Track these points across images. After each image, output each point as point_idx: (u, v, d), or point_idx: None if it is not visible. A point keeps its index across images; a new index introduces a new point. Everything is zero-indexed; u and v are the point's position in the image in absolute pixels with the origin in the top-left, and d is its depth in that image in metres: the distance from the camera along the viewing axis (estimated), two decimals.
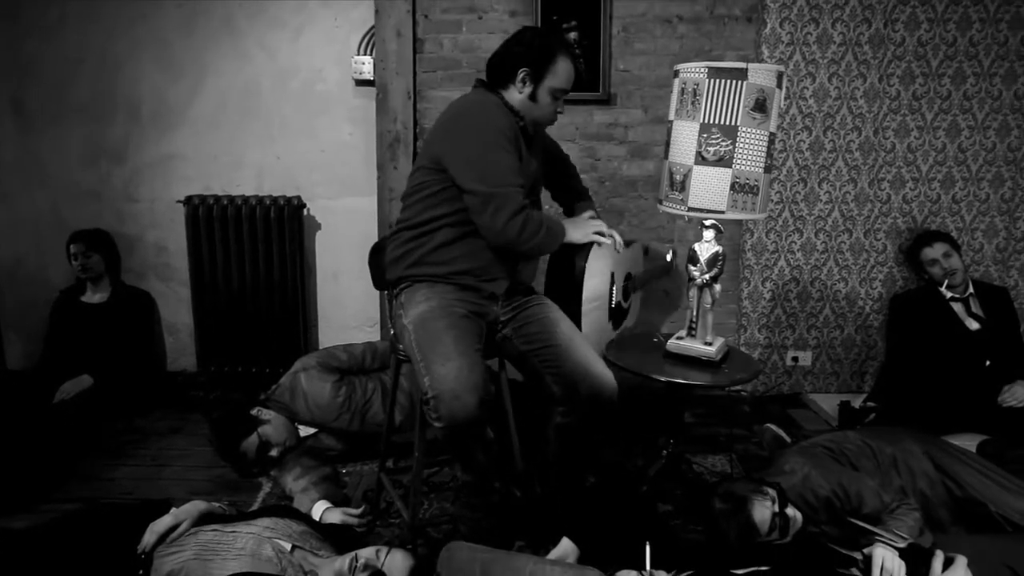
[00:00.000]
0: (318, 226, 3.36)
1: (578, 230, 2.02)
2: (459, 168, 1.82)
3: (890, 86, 3.11)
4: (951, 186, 3.21)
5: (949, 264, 2.94)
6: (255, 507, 2.33)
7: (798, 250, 3.26)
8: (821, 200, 3.21)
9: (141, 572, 1.70)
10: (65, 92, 3.22)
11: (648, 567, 1.60)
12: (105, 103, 3.23)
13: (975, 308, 2.96)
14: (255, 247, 3.23)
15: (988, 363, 2.86)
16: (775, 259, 3.26)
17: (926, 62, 3.10)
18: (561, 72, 1.87)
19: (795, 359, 3.35)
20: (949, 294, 2.95)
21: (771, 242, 3.24)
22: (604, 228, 2.05)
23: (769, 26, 3.06)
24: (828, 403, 3.19)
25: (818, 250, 3.26)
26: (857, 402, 3.07)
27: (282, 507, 2.03)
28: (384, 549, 1.66)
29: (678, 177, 1.85)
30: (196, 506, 1.86)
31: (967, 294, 2.97)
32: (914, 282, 3.22)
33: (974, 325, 2.92)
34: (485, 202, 1.79)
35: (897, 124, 3.15)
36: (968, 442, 2.49)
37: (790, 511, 1.72)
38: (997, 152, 3.18)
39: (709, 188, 1.79)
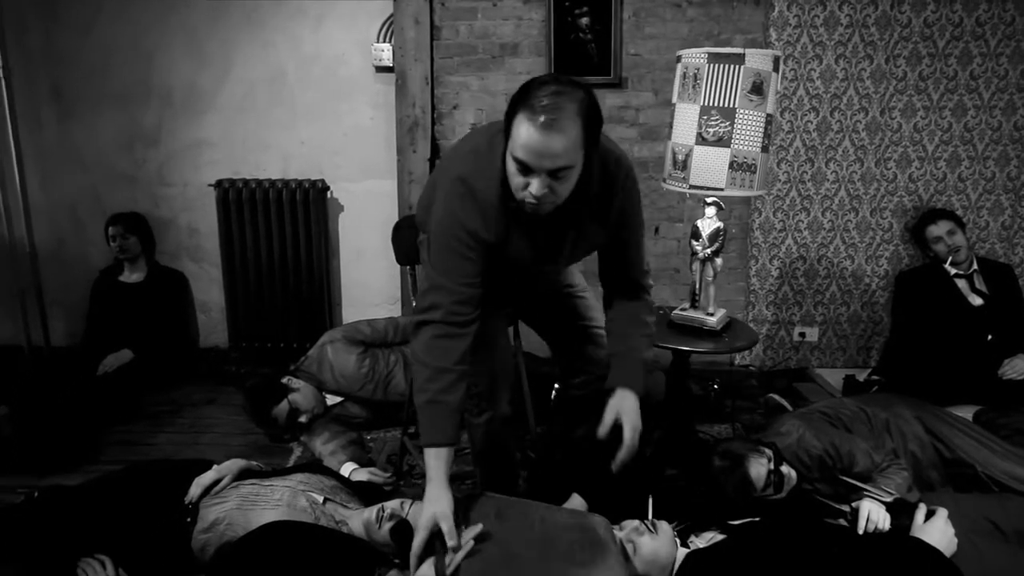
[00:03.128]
0: (341, 208, 3.51)
1: (427, 507, 1.45)
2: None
3: (896, 67, 3.18)
4: (957, 165, 3.28)
5: (953, 241, 3.01)
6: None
7: (805, 229, 3.35)
8: (828, 180, 3.29)
9: (188, 520, 1.87)
10: (101, 80, 3.38)
11: (650, 517, 1.74)
12: (139, 91, 3.39)
13: (979, 284, 3.04)
14: (282, 229, 3.39)
15: (990, 337, 2.94)
16: (783, 237, 3.35)
17: (932, 43, 3.15)
18: (518, 136, 1.34)
19: (802, 335, 3.45)
20: (953, 271, 3.02)
21: (779, 221, 3.33)
22: (452, 536, 1.41)
23: (777, 9, 3.13)
24: (834, 377, 3.29)
25: (825, 228, 3.34)
26: (862, 376, 3.17)
27: (314, 464, 2.20)
28: (408, 501, 1.82)
29: (680, 157, 1.97)
30: (236, 463, 2.04)
31: (971, 271, 3.04)
32: (920, 260, 3.30)
33: (977, 301, 3.00)
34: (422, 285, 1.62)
35: (903, 104, 3.22)
36: (967, 413, 2.58)
37: (785, 469, 1.84)
38: (1003, 131, 3.23)
39: (709, 167, 1.90)
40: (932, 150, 3.26)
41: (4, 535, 1.81)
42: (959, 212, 3.23)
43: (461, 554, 1.41)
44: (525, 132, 1.31)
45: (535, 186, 1.36)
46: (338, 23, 3.31)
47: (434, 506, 1.43)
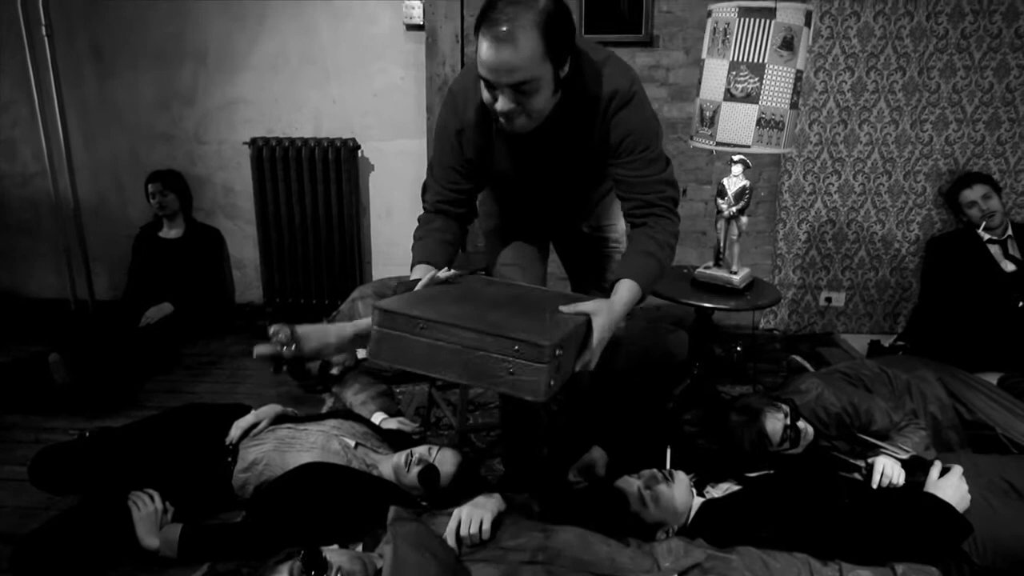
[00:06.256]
0: (371, 167, 3.56)
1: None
2: None
3: (938, 24, 3.09)
4: (997, 127, 3.20)
5: (988, 206, 2.96)
6: None
7: (835, 192, 3.31)
8: (861, 142, 3.24)
9: (229, 460, 1.99)
10: (139, 39, 3.45)
11: (668, 467, 1.80)
12: (175, 49, 3.45)
13: (1012, 250, 2.99)
14: (314, 187, 3.46)
15: (1021, 304, 2.90)
16: (812, 200, 3.32)
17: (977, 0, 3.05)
18: (479, 53, 1.33)
19: (828, 300, 3.44)
20: (987, 236, 2.98)
21: (808, 184, 3.30)
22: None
23: None
24: (859, 343, 3.29)
25: (856, 192, 3.30)
26: (887, 342, 3.16)
27: (347, 411, 2.30)
28: (436, 447, 1.90)
29: (708, 113, 1.97)
30: (273, 408, 2.14)
31: (1005, 236, 2.99)
32: (952, 225, 3.25)
33: (1010, 267, 2.96)
34: None
35: (943, 64, 3.13)
36: (992, 379, 2.57)
37: (801, 424, 1.88)
38: None
39: (736, 123, 1.90)
40: (971, 112, 3.18)
41: (61, 469, 1.95)
42: (996, 176, 3.16)
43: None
44: (483, 48, 1.30)
45: (500, 102, 1.35)
46: None
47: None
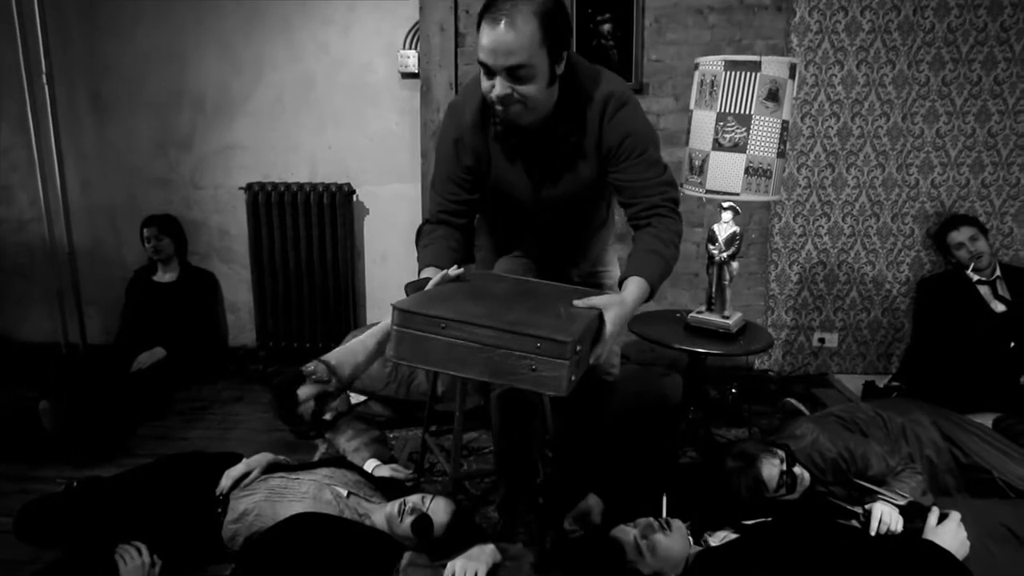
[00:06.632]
0: (366, 211, 3.59)
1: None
2: None
3: (919, 72, 3.17)
4: (980, 171, 3.26)
5: (975, 247, 3.00)
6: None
7: (825, 234, 3.35)
8: (849, 185, 3.30)
9: (219, 510, 1.95)
10: (138, 87, 3.51)
11: (665, 515, 1.78)
12: (173, 96, 3.51)
13: (1002, 291, 3.02)
14: (309, 231, 3.48)
15: (1012, 345, 2.92)
16: (803, 242, 3.36)
17: (956, 48, 3.14)
18: (479, 40, 1.41)
19: (821, 340, 3.45)
20: (976, 277, 3.01)
21: (799, 226, 3.34)
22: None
23: (798, 15, 3.15)
24: (853, 383, 3.29)
25: (845, 234, 3.35)
26: (882, 382, 3.16)
27: (339, 459, 2.27)
28: (429, 496, 1.88)
29: (697, 162, 2.01)
30: (265, 456, 2.12)
31: (994, 277, 3.03)
32: (942, 266, 3.28)
33: (1000, 307, 2.98)
34: None
35: (926, 110, 3.21)
36: (987, 420, 2.57)
37: (797, 470, 1.87)
38: None
39: (725, 172, 1.94)
40: (955, 155, 3.25)
41: (47, 522, 1.91)
42: (982, 218, 3.21)
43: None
44: (483, 33, 1.38)
45: (497, 87, 1.42)
46: (365, 30, 3.39)
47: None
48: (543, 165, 1.62)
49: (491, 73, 1.42)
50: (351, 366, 1.54)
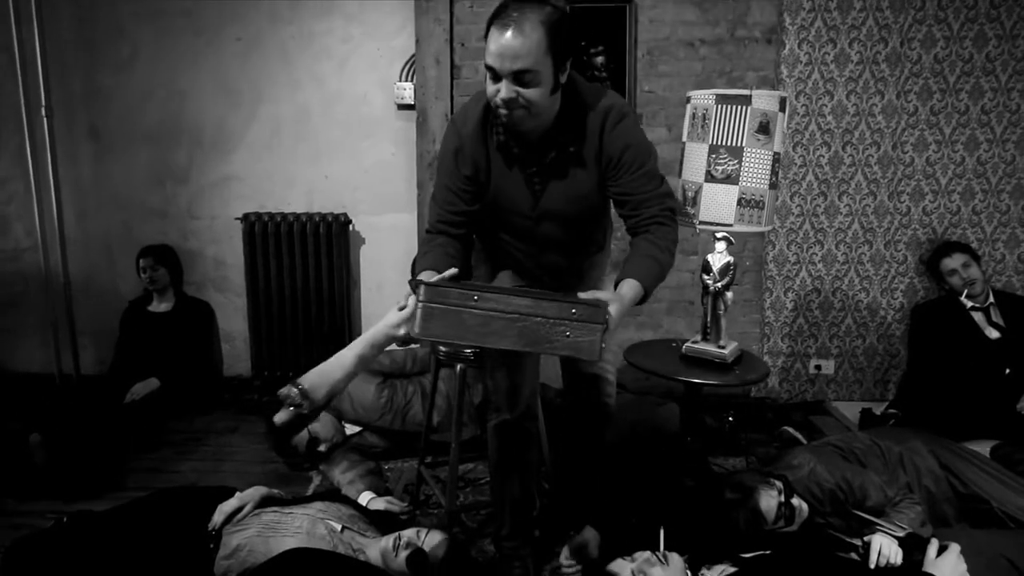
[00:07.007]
0: (362, 241, 3.60)
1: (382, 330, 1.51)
2: None
3: (908, 102, 3.23)
4: (971, 198, 3.30)
5: (968, 274, 3.02)
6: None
7: (819, 261, 3.37)
8: (841, 213, 3.33)
9: (212, 546, 1.92)
10: (136, 120, 3.54)
11: (662, 548, 1.76)
12: (171, 129, 3.54)
13: (995, 317, 3.03)
14: (305, 261, 3.49)
15: (1008, 371, 2.92)
16: (797, 270, 3.38)
17: (943, 78, 3.20)
18: (488, 45, 1.47)
19: (818, 367, 3.45)
20: (969, 303, 3.02)
21: (792, 254, 3.36)
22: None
23: (788, 47, 3.20)
24: (851, 411, 3.28)
25: (839, 261, 3.37)
26: (879, 410, 3.16)
27: (333, 492, 2.25)
28: (424, 530, 1.86)
29: (690, 193, 2.03)
30: (258, 490, 2.09)
31: (988, 303, 3.04)
32: (935, 292, 3.30)
33: (994, 334, 2.99)
34: None
35: (916, 139, 3.25)
36: (985, 448, 2.56)
37: (795, 501, 1.86)
38: (1017, 164, 3.26)
39: (718, 203, 1.96)
40: (945, 183, 3.29)
41: (36, 558, 1.88)
42: (974, 245, 3.24)
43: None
44: (491, 38, 1.45)
45: (503, 90, 1.47)
46: (362, 63, 3.44)
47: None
48: (543, 175, 1.66)
49: (497, 77, 1.47)
50: (327, 387, 1.53)
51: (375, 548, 1.89)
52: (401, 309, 1.47)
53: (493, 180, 1.69)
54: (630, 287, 1.53)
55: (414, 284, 1.39)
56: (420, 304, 1.35)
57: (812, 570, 1.65)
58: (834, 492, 1.92)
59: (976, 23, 3.15)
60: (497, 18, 1.45)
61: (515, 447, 1.98)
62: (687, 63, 3.25)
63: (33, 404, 3.33)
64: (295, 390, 1.50)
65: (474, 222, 1.77)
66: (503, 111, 1.50)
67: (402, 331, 1.47)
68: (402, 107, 3.43)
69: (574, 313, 1.30)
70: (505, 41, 1.42)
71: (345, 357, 1.57)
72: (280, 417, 1.49)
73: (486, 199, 1.72)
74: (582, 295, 1.41)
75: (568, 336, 1.30)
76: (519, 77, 1.45)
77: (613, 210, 1.78)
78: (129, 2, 3.44)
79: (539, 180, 1.67)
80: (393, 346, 3.18)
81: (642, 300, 1.56)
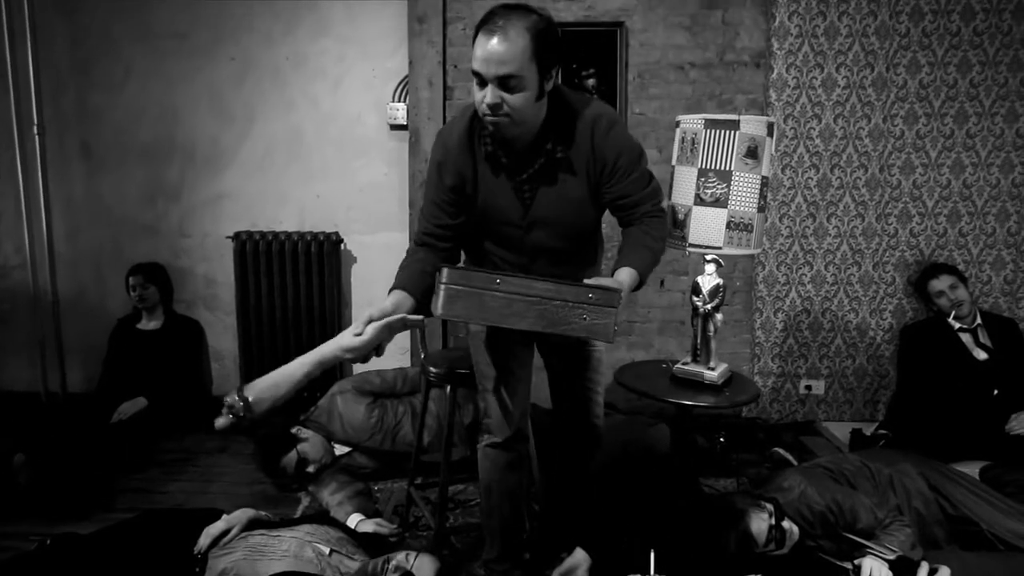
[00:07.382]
0: (354, 260, 3.60)
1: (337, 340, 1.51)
2: None
3: (894, 126, 3.27)
4: (957, 220, 3.34)
5: (956, 296, 3.04)
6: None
7: (809, 282, 3.39)
8: (830, 234, 3.36)
9: (197, 570, 1.90)
10: (129, 137, 3.55)
11: (652, 571, 1.75)
12: (164, 147, 3.55)
13: (983, 338, 3.05)
14: (296, 280, 3.48)
15: (996, 392, 2.94)
16: (786, 291, 3.40)
17: (928, 102, 3.25)
18: (474, 52, 1.48)
19: (808, 388, 3.46)
20: (957, 325, 3.05)
21: (782, 274, 3.39)
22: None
23: (776, 71, 3.25)
24: (841, 431, 3.29)
25: (828, 282, 3.39)
26: (869, 430, 3.17)
27: (321, 515, 2.23)
28: (413, 553, 1.84)
29: (680, 216, 2.05)
30: (245, 513, 2.07)
31: (975, 325, 3.06)
32: (924, 313, 3.33)
33: (982, 355, 3.01)
34: None
35: (902, 162, 3.30)
36: (974, 469, 2.57)
37: (786, 524, 1.85)
38: (1001, 188, 3.30)
39: (707, 226, 1.98)
40: (932, 206, 3.33)
41: None
42: (961, 267, 3.27)
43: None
44: (477, 43, 1.48)
45: (488, 95, 1.48)
46: (355, 84, 3.46)
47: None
48: (532, 182, 1.66)
49: (483, 83, 1.49)
50: (270, 400, 1.53)
51: (363, 572, 1.87)
52: (357, 335, 1.48)
53: (481, 191, 1.69)
54: (628, 274, 1.60)
55: (437, 267, 1.48)
56: (443, 286, 1.43)
57: None
58: (824, 514, 1.91)
59: (960, 50, 3.21)
60: (484, 24, 1.48)
61: (505, 469, 1.97)
62: (677, 86, 3.29)
63: (18, 423, 3.29)
64: (239, 401, 1.50)
65: (460, 236, 1.77)
66: (489, 117, 1.52)
67: (350, 356, 1.50)
68: (395, 127, 3.45)
69: (591, 297, 1.41)
70: (491, 46, 1.45)
71: (294, 373, 1.56)
72: (219, 423, 1.50)
73: (475, 211, 1.72)
74: (588, 281, 1.48)
75: (585, 319, 1.41)
76: (504, 82, 1.47)
77: (604, 228, 1.81)
78: (123, 22, 3.46)
79: (528, 188, 1.67)
80: (383, 366, 3.18)
81: (637, 287, 1.64)
